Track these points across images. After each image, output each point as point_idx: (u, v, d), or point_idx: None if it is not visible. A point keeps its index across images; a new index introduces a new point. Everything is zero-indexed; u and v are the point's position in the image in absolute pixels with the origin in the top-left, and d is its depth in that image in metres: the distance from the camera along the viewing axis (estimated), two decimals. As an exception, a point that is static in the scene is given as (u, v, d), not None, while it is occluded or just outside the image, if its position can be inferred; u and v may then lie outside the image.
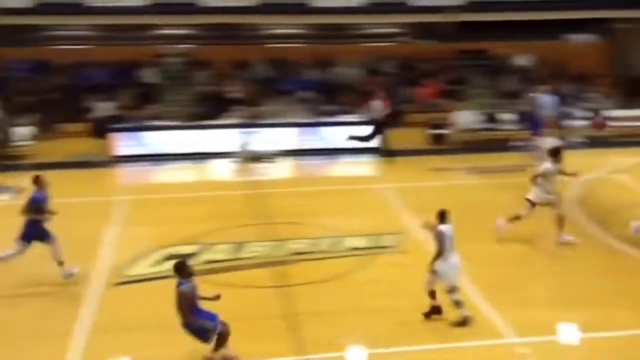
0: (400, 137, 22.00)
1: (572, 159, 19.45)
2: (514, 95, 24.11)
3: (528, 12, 25.12)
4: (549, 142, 16.01)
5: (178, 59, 25.32)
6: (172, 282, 9.09)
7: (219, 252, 13.14)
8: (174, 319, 8.92)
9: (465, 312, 10.24)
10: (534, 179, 13.30)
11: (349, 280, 12.03)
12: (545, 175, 13.14)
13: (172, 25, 25.87)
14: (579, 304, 11.06)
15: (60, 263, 11.77)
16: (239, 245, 13.43)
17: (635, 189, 16.90)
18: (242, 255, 13.09)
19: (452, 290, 10.21)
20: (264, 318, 10.52)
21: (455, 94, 24.61)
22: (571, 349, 10.06)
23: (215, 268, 12.47)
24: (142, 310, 10.84)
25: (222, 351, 9.06)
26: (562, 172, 13.26)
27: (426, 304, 10.51)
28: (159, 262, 12.65)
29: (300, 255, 13.07)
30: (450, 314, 10.33)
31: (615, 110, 22.76)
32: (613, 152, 19.94)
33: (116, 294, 11.58)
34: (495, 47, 25.91)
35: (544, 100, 20.79)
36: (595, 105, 20.91)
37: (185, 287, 8.89)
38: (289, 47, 26.56)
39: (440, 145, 21.38)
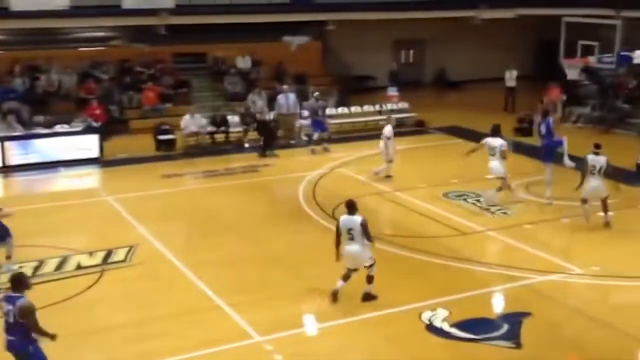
0: (124, 144, 21.16)
1: (301, 157, 20.20)
2: (237, 97, 24.20)
3: (241, 15, 25.57)
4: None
5: None
6: None
7: None
8: None
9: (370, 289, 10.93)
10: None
11: (80, 301, 11.21)
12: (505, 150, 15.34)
13: None
14: (313, 296, 11.37)
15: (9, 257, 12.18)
16: (-56, 277, 11.69)
17: (358, 181, 17.65)
18: (-51, 288, 11.40)
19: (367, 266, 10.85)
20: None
21: (178, 98, 24.04)
22: (310, 339, 10.34)
23: None
24: None
25: None
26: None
27: (164, 314, 10.55)
28: None
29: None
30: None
31: (334, 108, 23.70)
32: (334, 148, 20.76)
33: None
34: (215, 49, 25.79)
35: (284, 100, 21.08)
36: (318, 104, 21.58)
37: (27, 301, 7.97)
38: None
39: (167, 151, 20.66)
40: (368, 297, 11.00)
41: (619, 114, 22.83)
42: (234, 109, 22.96)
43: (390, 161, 17.62)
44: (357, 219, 10.72)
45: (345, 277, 10.93)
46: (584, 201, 14.22)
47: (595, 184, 14.04)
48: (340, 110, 23.81)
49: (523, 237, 13.76)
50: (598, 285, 11.83)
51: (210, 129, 21.31)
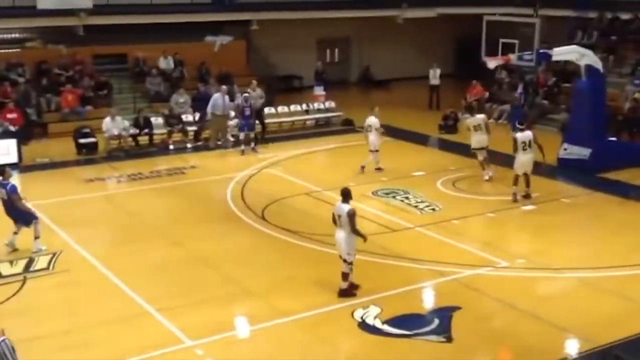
0: (43, 149, 20.52)
1: (229, 158, 19.94)
2: (160, 98, 23.75)
3: (162, 15, 25.26)
4: None
5: None
6: None
7: None
8: None
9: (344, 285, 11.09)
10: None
11: (2, 311, 10.71)
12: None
13: None
14: (244, 298, 11.30)
15: (36, 237, 13.04)
16: None
17: (287, 181, 17.57)
18: None
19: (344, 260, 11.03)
20: None
21: (99, 100, 23.41)
22: (242, 342, 10.20)
23: None
24: None
25: None
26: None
27: (91, 322, 10.42)
28: None
29: None
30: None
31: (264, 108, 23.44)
32: (262, 148, 20.61)
33: None
34: (136, 50, 25.23)
35: (218, 100, 20.75)
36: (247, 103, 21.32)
37: None
38: None
39: (89, 155, 20.07)
40: (342, 293, 11.07)
41: (539, 111, 23.43)
42: (157, 110, 22.53)
43: (376, 150, 17.86)
44: (346, 207, 10.87)
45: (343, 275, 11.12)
46: (516, 179, 15.56)
47: (526, 157, 15.39)
48: (267, 110, 23.62)
49: (451, 233, 13.94)
50: (524, 277, 12.06)
51: (133, 131, 20.81)
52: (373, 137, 17.87)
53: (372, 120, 17.86)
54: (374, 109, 18.15)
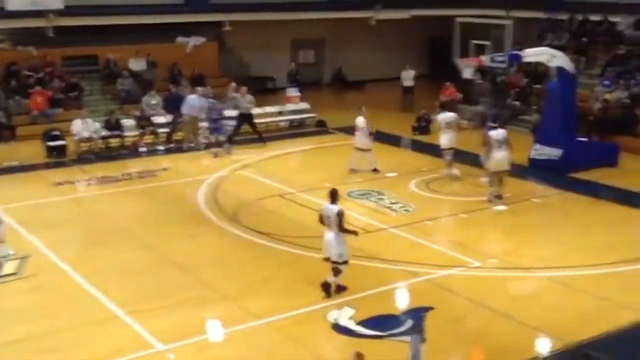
0: (12, 152, 20.20)
1: (202, 160, 19.78)
2: (131, 100, 23.51)
3: (133, 15, 25.04)
4: None
5: None
6: None
7: None
8: None
9: (330, 279, 11.05)
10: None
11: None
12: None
13: None
14: (216, 300, 11.21)
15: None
16: None
17: (260, 183, 17.47)
18: None
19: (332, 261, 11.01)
20: None
21: (69, 102, 23.12)
22: (214, 346, 10.10)
23: None
24: None
25: None
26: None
27: (61, 327, 10.21)
28: None
29: None
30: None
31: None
32: (235, 150, 20.48)
33: None
34: (106, 51, 24.94)
35: (195, 102, 20.60)
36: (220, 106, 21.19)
37: None
38: None
39: (58, 158, 19.80)
40: (325, 287, 11.05)
41: (511, 112, 23.57)
42: (128, 112, 22.32)
43: (368, 150, 17.91)
44: (335, 208, 10.87)
45: (334, 271, 11.06)
46: (494, 178, 15.50)
47: (501, 155, 15.29)
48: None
49: (424, 233, 13.96)
50: (496, 277, 12.09)
51: (104, 133, 20.59)
52: (358, 137, 17.88)
53: (359, 120, 17.88)
54: (361, 109, 18.10)
